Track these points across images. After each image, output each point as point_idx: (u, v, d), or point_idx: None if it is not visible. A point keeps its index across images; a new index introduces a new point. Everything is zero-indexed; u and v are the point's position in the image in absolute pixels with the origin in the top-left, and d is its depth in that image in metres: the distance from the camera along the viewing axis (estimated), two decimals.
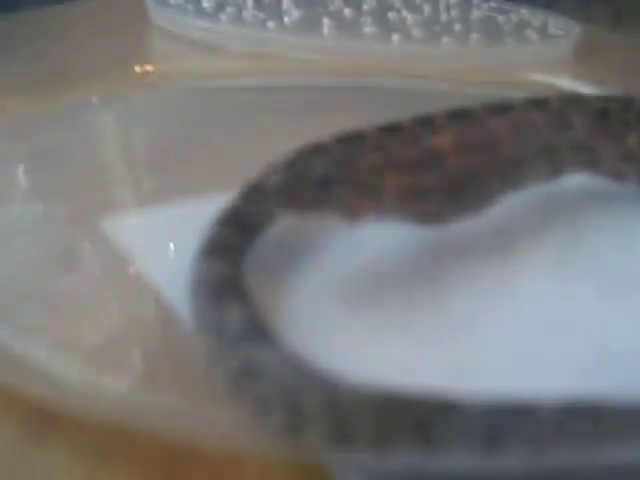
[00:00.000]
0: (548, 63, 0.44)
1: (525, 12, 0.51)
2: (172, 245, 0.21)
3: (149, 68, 0.39)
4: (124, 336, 0.18)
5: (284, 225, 0.21)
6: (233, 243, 0.18)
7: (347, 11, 0.47)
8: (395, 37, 0.41)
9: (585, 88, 0.39)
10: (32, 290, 0.20)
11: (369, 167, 0.20)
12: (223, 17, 0.45)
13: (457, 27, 0.45)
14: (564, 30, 0.47)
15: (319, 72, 0.40)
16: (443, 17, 0.47)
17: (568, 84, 0.41)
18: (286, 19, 0.44)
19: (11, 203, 0.26)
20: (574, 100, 0.25)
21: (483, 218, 0.22)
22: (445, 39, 0.42)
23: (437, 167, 0.21)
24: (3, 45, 0.38)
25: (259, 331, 0.15)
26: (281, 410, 0.13)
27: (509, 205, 0.23)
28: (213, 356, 0.15)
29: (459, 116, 0.22)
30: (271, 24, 0.43)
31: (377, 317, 0.18)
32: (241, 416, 0.14)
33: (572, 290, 0.21)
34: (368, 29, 0.43)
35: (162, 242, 0.21)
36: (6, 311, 0.19)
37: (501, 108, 0.23)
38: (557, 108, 0.24)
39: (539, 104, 0.24)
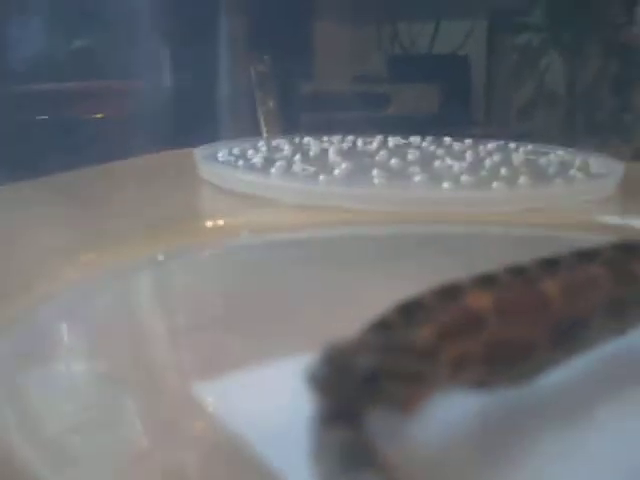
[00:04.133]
0: (596, 202, 0.44)
1: (563, 153, 0.53)
2: (273, 408, 0.21)
3: (206, 224, 0.40)
4: None
5: None
6: (354, 405, 0.18)
7: (394, 161, 0.48)
8: (445, 184, 0.42)
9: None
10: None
11: (419, 352, 0.18)
12: (273, 171, 0.46)
13: (503, 171, 0.46)
14: (607, 169, 0.48)
15: (374, 222, 0.41)
16: (487, 163, 0.48)
17: (619, 222, 0.42)
18: (336, 172, 0.45)
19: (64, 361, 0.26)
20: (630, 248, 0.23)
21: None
22: (495, 183, 0.42)
23: (477, 332, 0.19)
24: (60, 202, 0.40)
25: None
26: None
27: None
28: None
29: (515, 272, 0.22)
30: (322, 177, 0.44)
31: None
32: None
33: None
34: (418, 177, 0.44)
35: (260, 405, 0.21)
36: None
37: (551, 263, 0.22)
38: (616, 259, 0.23)
39: (592, 256, 0.22)
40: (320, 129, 0.60)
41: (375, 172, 0.44)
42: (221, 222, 0.40)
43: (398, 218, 0.40)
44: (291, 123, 1.01)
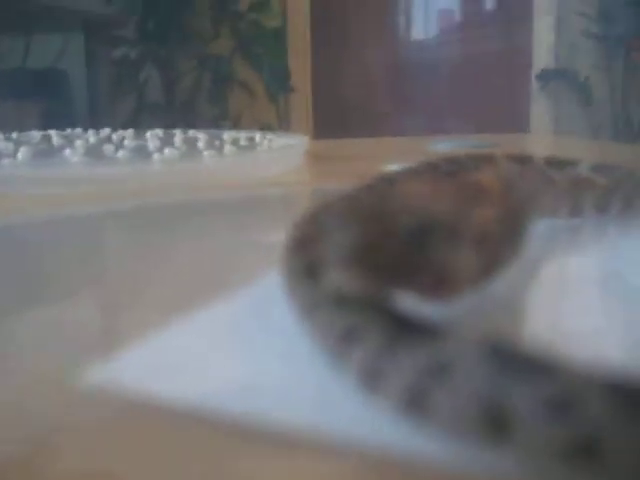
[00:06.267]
0: (290, 169, 0.44)
1: (245, 133, 0.52)
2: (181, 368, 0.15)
3: None
4: None
5: None
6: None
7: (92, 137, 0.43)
8: (156, 156, 0.38)
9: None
10: None
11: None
12: None
13: (203, 145, 0.43)
14: (296, 141, 0.48)
15: (99, 201, 0.35)
16: (178, 141, 0.46)
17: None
18: (21, 153, 0.38)
19: None
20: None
21: None
22: (205, 152, 0.40)
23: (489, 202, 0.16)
24: None
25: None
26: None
27: None
28: None
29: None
30: (5, 161, 0.37)
31: None
32: None
33: None
34: (120, 153, 0.39)
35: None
36: None
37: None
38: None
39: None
40: None
41: (68, 152, 0.39)
42: None
43: (108, 195, 0.35)
44: None
